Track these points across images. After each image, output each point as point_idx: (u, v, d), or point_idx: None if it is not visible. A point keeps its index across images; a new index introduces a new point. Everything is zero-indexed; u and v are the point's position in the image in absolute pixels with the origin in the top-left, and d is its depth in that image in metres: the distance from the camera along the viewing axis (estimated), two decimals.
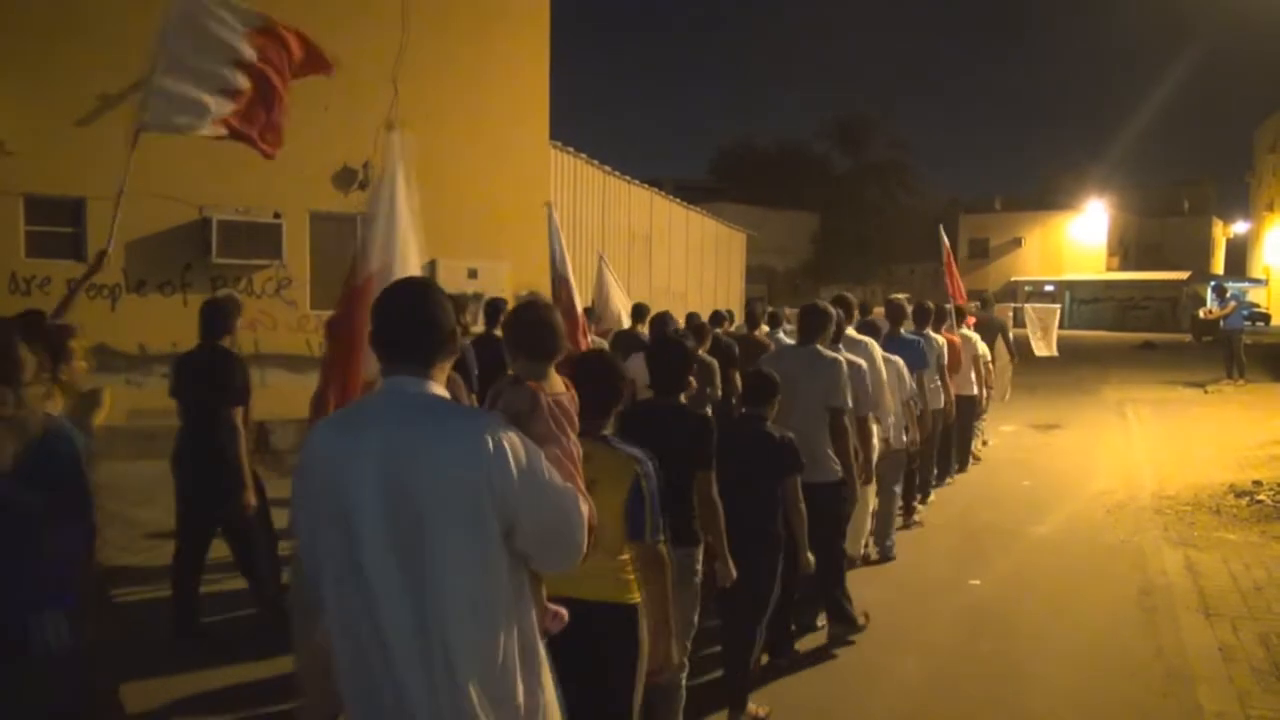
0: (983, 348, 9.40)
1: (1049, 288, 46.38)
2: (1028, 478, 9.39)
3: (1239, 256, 58.59)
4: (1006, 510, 8.05)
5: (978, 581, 6.16)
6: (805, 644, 5.01)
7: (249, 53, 5.25)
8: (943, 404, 7.80)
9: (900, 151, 62.60)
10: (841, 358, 5.00)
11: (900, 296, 7.75)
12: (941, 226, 12.43)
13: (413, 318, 2.07)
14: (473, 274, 11.85)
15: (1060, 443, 11.64)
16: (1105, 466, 10.01)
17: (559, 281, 5.32)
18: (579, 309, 5.24)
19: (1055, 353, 14.71)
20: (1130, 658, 4.91)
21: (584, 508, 2.13)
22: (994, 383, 10.20)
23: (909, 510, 7.53)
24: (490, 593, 1.99)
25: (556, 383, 2.54)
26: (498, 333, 5.34)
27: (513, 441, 2.00)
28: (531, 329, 2.61)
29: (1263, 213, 52.86)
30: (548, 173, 13.32)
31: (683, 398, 3.61)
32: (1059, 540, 7.16)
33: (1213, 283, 30.70)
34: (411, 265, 3.43)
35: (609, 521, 2.71)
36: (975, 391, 9.15)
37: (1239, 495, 8.29)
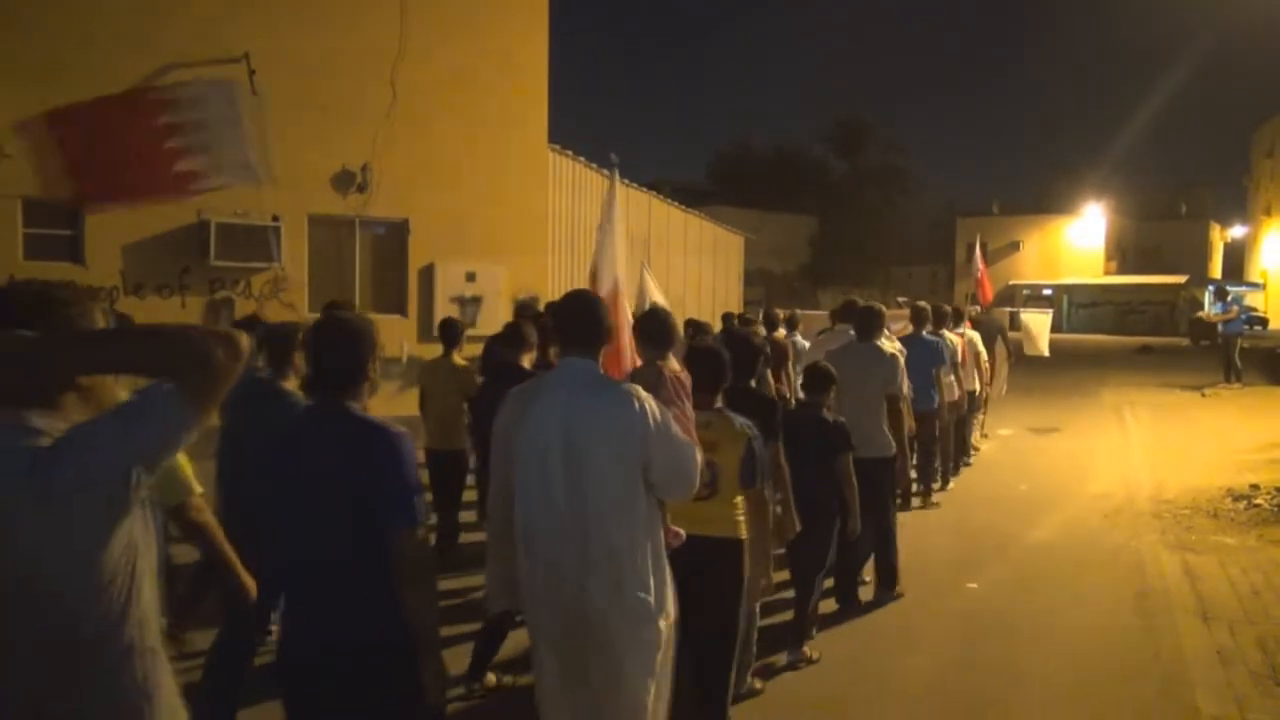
0: (981, 347, 9.82)
1: (1047, 291, 46.39)
2: (1025, 481, 9.36)
3: (1236, 260, 58.68)
4: (1004, 514, 8.01)
5: (975, 585, 6.12)
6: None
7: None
8: (956, 396, 8.41)
9: (897, 155, 62.78)
10: (898, 353, 5.91)
11: (923, 303, 8.33)
12: (979, 236, 12.91)
13: (582, 318, 2.95)
14: (470, 277, 11.84)
15: (1058, 446, 11.62)
16: (1103, 470, 9.99)
17: (593, 280, 5.51)
18: (628, 319, 5.52)
19: (1046, 353, 15.07)
20: (1128, 661, 4.89)
21: (698, 455, 2.93)
22: (992, 380, 10.77)
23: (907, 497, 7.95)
24: (632, 508, 2.80)
25: (674, 364, 3.49)
26: (524, 363, 5.63)
27: (651, 403, 2.81)
28: (657, 327, 3.66)
29: (1260, 217, 52.95)
30: (546, 176, 13.32)
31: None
32: (1056, 544, 7.14)
33: (1212, 285, 30.75)
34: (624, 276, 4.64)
35: (729, 474, 3.53)
36: (975, 387, 9.68)
37: (1236, 499, 8.26)
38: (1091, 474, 9.78)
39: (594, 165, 15.32)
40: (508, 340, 5.32)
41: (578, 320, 2.95)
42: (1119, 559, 6.73)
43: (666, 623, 2.86)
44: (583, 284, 15.41)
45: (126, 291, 9.69)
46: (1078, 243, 53.12)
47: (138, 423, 1.63)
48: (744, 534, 3.59)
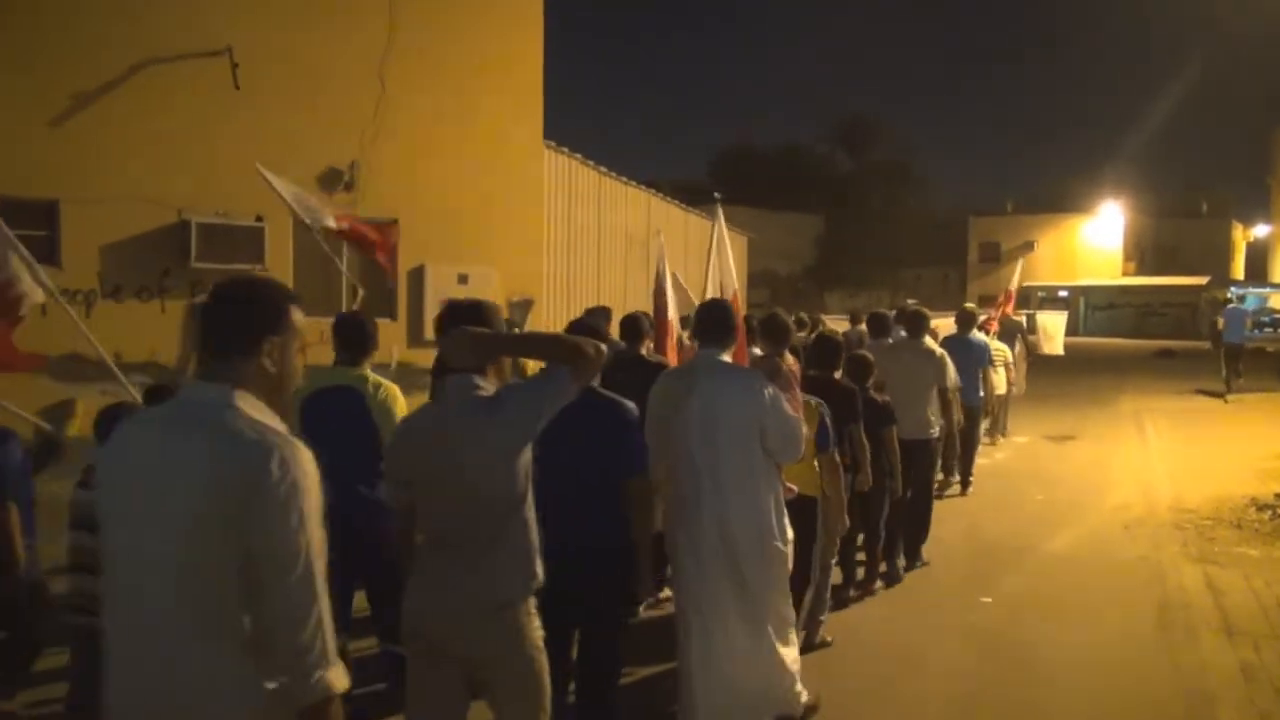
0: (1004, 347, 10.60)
1: (1063, 293, 45.65)
2: (1041, 491, 9.13)
3: (1260, 261, 57.64)
4: (1019, 525, 7.83)
5: (989, 599, 5.97)
6: (811, 660, 4.70)
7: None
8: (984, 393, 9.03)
9: (905, 153, 61.90)
10: (944, 351, 6.94)
11: (970, 305, 9.03)
12: (1022, 262, 13.62)
13: (719, 322, 3.91)
14: (463, 279, 11.55)
15: (1075, 455, 11.35)
16: (1122, 479, 9.79)
17: (658, 293, 6.75)
18: (673, 318, 6.64)
19: (1061, 351, 15.53)
20: (1148, 678, 4.78)
21: (803, 428, 3.84)
22: (1013, 378, 11.34)
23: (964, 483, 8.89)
24: (755, 467, 3.72)
25: (788, 358, 4.23)
26: (643, 352, 6.04)
27: (768, 387, 3.74)
28: (776, 327, 4.45)
29: None
30: (542, 174, 13.05)
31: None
32: (1074, 556, 6.97)
33: (1234, 288, 30.21)
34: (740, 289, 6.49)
35: (807, 442, 4.19)
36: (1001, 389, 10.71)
37: (1260, 509, 8.12)
38: (1110, 483, 9.60)
39: (591, 163, 15.02)
40: (627, 333, 5.89)
41: (715, 323, 3.90)
42: (1139, 571, 6.59)
43: (787, 550, 3.80)
44: (579, 286, 15.13)
45: (104, 294, 9.42)
46: (1094, 242, 52.34)
47: (548, 390, 2.69)
48: (817, 492, 4.52)
